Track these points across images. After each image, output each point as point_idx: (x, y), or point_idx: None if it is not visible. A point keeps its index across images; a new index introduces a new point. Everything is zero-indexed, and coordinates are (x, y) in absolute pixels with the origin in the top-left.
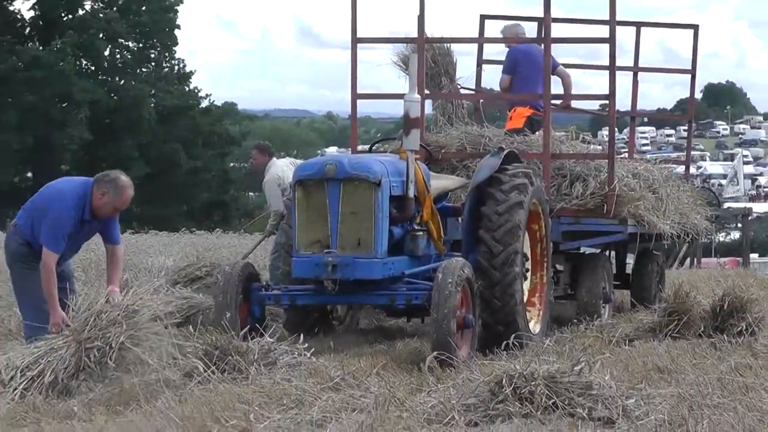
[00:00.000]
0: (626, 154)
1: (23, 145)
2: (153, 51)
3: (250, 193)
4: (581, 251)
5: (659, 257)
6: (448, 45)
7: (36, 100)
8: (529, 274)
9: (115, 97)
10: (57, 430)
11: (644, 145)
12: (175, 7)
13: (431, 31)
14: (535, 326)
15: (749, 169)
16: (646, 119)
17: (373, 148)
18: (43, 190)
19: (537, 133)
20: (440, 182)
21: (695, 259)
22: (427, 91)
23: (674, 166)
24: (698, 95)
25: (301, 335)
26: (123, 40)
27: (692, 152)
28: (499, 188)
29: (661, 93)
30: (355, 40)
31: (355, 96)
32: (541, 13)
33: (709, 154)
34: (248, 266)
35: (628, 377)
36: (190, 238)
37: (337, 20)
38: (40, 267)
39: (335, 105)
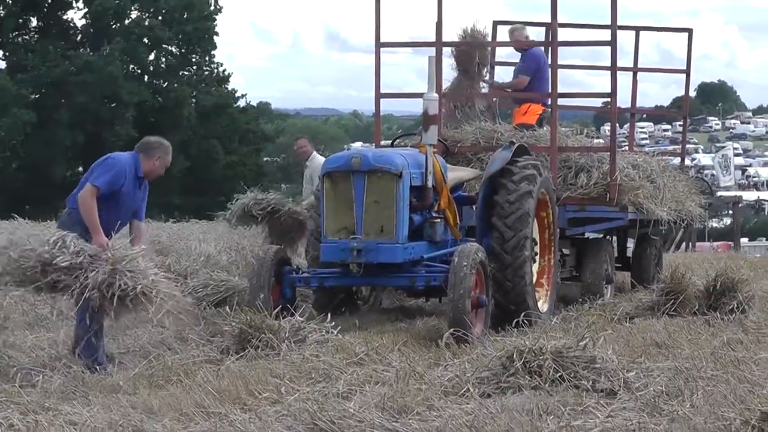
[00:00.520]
0: (626, 148)
1: (75, 142)
2: (194, 56)
3: (282, 185)
4: (586, 236)
5: (657, 241)
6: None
7: (87, 101)
8: (537, 258)
9: (159, 98)
10: (103, 402)
11: (643, 139)
12: (214, 16)
13: (448, 36)
14: (543, 305)
15: (739, 160)
16: (644, 115)
17: (395, 142)
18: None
19: (545, 128)
20: (456, 173)
21: (690, 243)
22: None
23: (670, 158)
24: (692, 93)
25: (329, 314)
26: (166, 46)
27: (687, 145)
28: (510, 179)
29: (658, 91)
30: (379, 45)
31: (379, 95)
32: (548, 19)
33: (702, 147)
34: (280, 251)
35: (628, 352)
36: (226, 226)
37: (362, 26)
38: (78, 200)
39: (360, 104)
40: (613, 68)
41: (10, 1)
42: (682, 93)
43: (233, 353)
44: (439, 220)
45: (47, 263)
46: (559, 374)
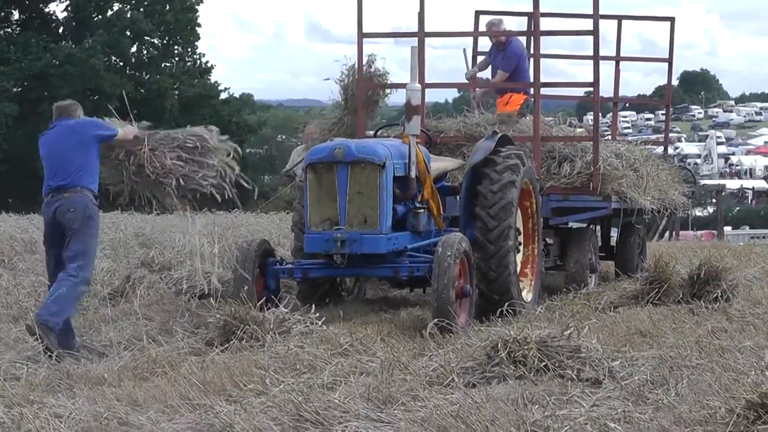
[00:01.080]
0: (610, 137)
1: None
2: (176, 47)
3: (265, 177)
4: (569, 226)
5: (641, 230)
6: None
7: (70, 93)
8: (521, 247)
9: (142, 90)
10: (88, 395)
11: (626, 128)
12: (196, 7)
13: (430, 26)
14: (527, 295)
15: (722, 149)
16: (627, 104)
17: (378, 133)
18: (48, 148)
19: (528, 117)
20: (440, 164)
21: (674, 232)
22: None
23: (653, 146)
24: (675, 82)
25: (313, 305)
26: (149, 38)
27: (670, 134)
28: (493, 169)
29: (640, 80)
30: (361, 35)
31: (362, 86)
32: (530, 9)
33: (685, 135)
34: (264, 242)
35: (613, 341)
36: (210, 217)
37: (344, 17)
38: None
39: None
40: (596, 57)
41: None
42: (663, 82)
43: (218, 345)
44: (422, 210)
45: None
46: (544, 364)
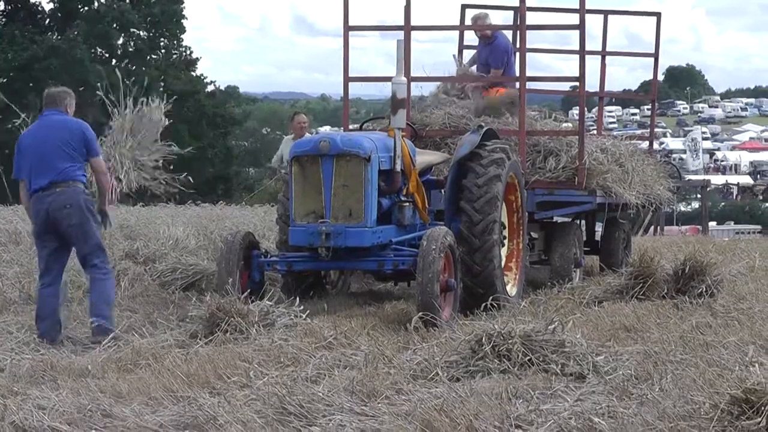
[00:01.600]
0: (595, 131)
1: None
2: (162, 39)
3: (250, 169)
4: (554, 220)
5: (626, 225)
6: None
7: (55, 85)
8: (506, 242)
9: (128, 82)
10: (72, 386)
11: (611, 122)
12: None
13: (416, 20)
14: (512, 289)
15: (707, 144)
16: (613, 99)
17: (364, 126)
18: (35, 142)
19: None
20: (425, 157)
21: (659, 227)
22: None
23: (639, 141)
24: (660, 77)
25: (297, 298)
26: (135, 30)
27: (655, 129)
28: (478, 162)
29: (626, 75)
30: (347, 28)
31: (347, 79)
32: (517, 3)
33: (670, 131)
34: (249, 235)
35: (597, 336)
36: (195, 210)
37: (330, 10)
38: (105, 176)
39: (328, 87)
40: (582, 52)
41: None
42: (649, 77)
43: (202, 337)
44: (407, 203)
45: None
46: (528, 358)
